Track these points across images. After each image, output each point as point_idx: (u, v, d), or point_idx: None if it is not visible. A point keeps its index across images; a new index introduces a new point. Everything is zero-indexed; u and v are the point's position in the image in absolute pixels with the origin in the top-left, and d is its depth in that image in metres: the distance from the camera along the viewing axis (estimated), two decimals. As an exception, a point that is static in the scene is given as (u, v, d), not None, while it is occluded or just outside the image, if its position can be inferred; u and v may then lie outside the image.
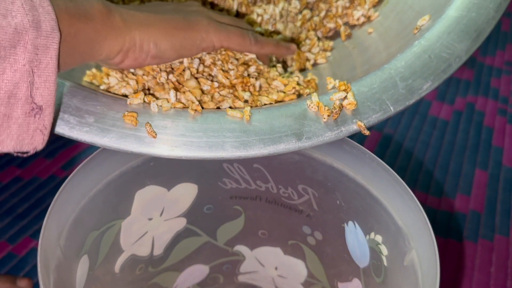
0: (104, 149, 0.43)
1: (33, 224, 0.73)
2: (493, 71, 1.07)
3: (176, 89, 0.38)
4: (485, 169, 0.85)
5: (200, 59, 0.40)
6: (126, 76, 0.39)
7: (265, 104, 0.39)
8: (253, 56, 0.42)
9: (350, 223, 0.48)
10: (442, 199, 0.79)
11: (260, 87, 0.41)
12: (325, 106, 0.36)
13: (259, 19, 0.50)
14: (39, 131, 0.29)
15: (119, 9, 0.34)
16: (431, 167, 0.84)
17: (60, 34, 0.29)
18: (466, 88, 1.02)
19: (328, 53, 0.49)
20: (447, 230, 0.75)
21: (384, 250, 0.45)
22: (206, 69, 0.40)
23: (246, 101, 0.39)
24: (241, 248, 0.58)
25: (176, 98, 0.37)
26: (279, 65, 0.46)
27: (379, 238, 0.45)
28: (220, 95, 0.39)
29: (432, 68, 0.37)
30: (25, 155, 0.30)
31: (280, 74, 0.43)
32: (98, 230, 0.46)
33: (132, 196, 0.48)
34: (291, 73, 0.48)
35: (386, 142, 0.88)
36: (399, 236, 0.43)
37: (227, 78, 0.40)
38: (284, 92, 0.41)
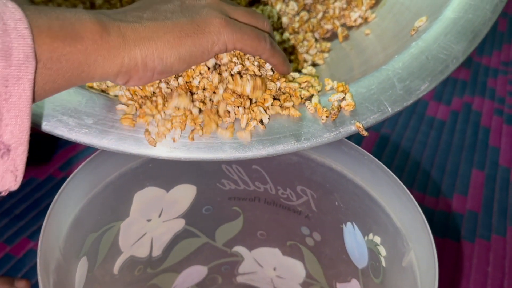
0: (103, 151, 0.43)
1: (31, 225, 0.72)
2: (490, 71, 1.07)
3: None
4: (482, 169, 0.85)
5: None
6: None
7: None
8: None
9: (349, 224, 0.48)
10: (439, 199, 0.79)
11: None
12: (323, 107, 0.36)
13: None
14: (10, 172, 0.26)
15: (117, 24, 0.29)
16: (428, 167, 0.84)
17: (36, 62, 0.25)
18: (462, 88, 1.02)
19: (326, 54, 0.49)
20: (445, 230, 0.75)
21: (382, 251, 0.45)
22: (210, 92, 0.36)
23: (261, 122, 0.36)
24: (239, 249, 0.58)
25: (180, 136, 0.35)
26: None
27: (377, 239, 0.45)
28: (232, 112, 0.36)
29: (430, 69, 0.37)
30: None
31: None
32: (97, 231, 0.46)
33: (131, 197, 0.48)
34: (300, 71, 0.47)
35: (383, 142, 0.88)
36: (398, 237, 0.43)
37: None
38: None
